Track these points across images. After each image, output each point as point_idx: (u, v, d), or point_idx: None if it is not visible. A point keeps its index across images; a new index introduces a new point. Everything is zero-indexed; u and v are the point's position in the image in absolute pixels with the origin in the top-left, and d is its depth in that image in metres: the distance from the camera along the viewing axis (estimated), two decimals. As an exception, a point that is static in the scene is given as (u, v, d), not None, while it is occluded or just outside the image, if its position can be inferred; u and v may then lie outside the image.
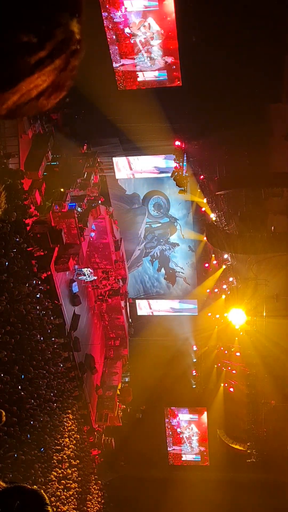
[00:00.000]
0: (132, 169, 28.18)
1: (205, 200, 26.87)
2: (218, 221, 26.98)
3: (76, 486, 23.09)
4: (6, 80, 1.06)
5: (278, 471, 29.64)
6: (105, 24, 22.31)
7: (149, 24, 22.29)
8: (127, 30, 22.59)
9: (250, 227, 25.52)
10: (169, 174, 26.66)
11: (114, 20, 22.32)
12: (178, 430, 34.35)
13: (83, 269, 23.70)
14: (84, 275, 23.93)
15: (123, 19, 22.27)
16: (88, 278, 24.26)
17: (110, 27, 22.51)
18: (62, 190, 22.37)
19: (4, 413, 2.67)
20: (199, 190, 26.80)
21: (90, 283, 26.63)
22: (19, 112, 1.16)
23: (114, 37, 22.82)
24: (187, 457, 34.61)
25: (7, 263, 17.02)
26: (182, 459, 34.69)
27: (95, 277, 25.61)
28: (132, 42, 22.91)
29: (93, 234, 25.07)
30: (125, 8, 21.90)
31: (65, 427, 21.91)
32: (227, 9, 20.17)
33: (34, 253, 19.47)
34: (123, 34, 22.72)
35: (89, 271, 24.30)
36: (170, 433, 34.46)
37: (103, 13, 21.96)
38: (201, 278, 30.59)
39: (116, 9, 21.94)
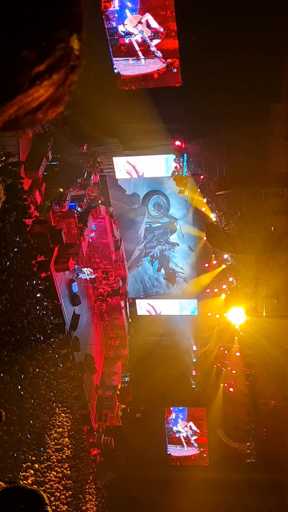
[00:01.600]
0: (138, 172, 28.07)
1: (205, 200, 26.88)
2: (218, 221, 26.99)
3: (76, 486, 23.09)
4: (2, 93, 1.07)
5: (278, 471, 29.62)
6: (105, 24, 22.32)
7: (146, 21, 22.27)
8: (121, 28, 22.55)
9: (250, 227, 25.53)
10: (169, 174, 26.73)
11: (110, 18, 22.32)
12: (178, 430, 34.33)
13: (83, 269, 23.72)
14: (85, 275, 23.97)
15: (117, 15, 22.25)
16: (87, 278, 24.32)
17: (108, 26, 22.52)
18: (62, 190, 22.38)
19: (3, 413, 2.67)
20: (199, 190, 26.82)
21: (91, 284, 26.70)
22: (16, 125, 1.18)
23: (113, 36, 22.82)
24: (186, 457, 34.59)
25: (8, 263, 17.02)
26: (182, 459, 34.67)
27: (95, 275, 25.65)
28: (127, 42, 22.89)
29: (93, 234, 25.09)
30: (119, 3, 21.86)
31: (65, 427, 21.90)
32: (227, 9, 20.16)
33: (35, 256, 19.50)
34: (117, 33, 22.73)
35: (89, 271, 24.32)
36: (170, 433, 34.44)
37: (102, 11, 21.97)
38: (201, 278, 30.59)
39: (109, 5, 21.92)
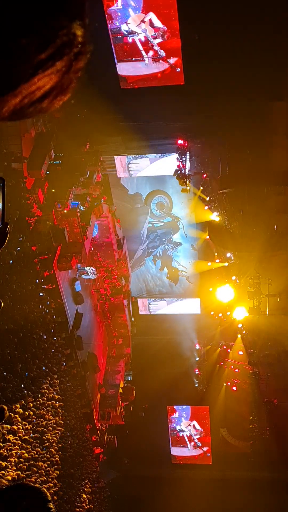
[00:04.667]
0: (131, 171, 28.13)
1: (207, 199, 26.86)
2: (220, 219, 26.97)
3: (79, 484, 23.14)
4: (5, 82, 1.06)
5: (282, 470, 29.62)
6: (108, 23, 22.30)
7: (150, 20, 22.25)
8: (124, 27, 22.54)
9: (252, 226, 25.51)
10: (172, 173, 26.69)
11: (113, 17, 22.31)
12: (181, 428, 34.33)
13: (85, 268, 23.73)
14: (87, 274, 23.96)
15: (120, 14, 22.24)
16: (91, 277, 24.32)
17: (111, 25, 22.50)
18: (64, 189, 22.40)
19: (6, 409, 2.68)
20: (201, 189, 26.80)
21: (93, 285, 26.75)
22: (22, 114, 1.17)
23: (116, 35, 22.81)
24: (189, 455, 34.59)
25: (11, 261, 17.07)
26: (185, 458, 34.67)
27: (98, 274, 25.69)
28: (130, 41, 22.88)
29: (95, 232, 25.10)
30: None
31: (68, 425, 21.94)
32: (230, 7, 20.12)
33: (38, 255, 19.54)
34: (120, 32, 22.72)
35: (92, 269, 24.34)
36: (173, 431, 34.45)
37: (106, 10, 21.95)
38: (204, 277, 30.56)
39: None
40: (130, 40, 22.95)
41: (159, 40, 22.72)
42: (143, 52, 23.19)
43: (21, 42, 1.02)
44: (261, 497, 28.70)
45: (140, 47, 23.08)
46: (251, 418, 31.09)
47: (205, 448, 34.09)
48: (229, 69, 21.15)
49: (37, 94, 1.13)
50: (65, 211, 21.66)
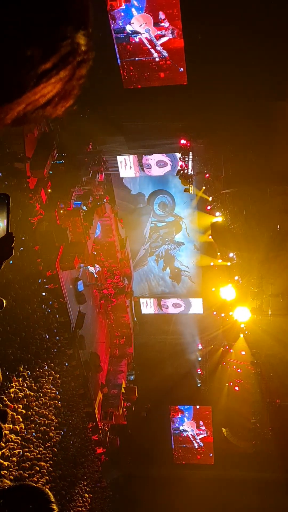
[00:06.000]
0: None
1: (210, 199, 26.84)
2: (223, 219, 26.94)
3: (82, 484, 23.15)
4: (10, 91, 1.07)
5: (284, 470, 29.61)
6: (111, 23, 22.30)
7: (153, 20, 22.23)
8: (130, 28, 22.56)
9: (255, 226, 25.47)
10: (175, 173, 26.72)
11: (116, 17, 22.30)
12: (184, 429, 34.35)
13: (88, 267, 23.75)
14: (89, 271, 24.10)
15: (123, 14, 22.23)
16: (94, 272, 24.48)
17: (114, 25, 22.49)
18: (67, 188, 22.42)
19: (9, 411, 2.69)
20: (204, 188, 26.79)
21: (96, 285, 26.78)
22: (26, 120, 1.18)
23: (119, 35, 22.80)
24: (192, 455, 34.61)
25: (11, 262, 17.06)
26: (187, 458, 34.69)
27: (100, 268, 25.76)
28: (133, 41, 22.88)
29: (98, 232, 25.10)
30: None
31: (70, 425, 21.96)
32: (233, 7, 20.10)
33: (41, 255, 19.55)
34: (124, 32, 22.72)
35: (94, 269, 24.38)
36: (176, 431, 34.47)
37: (108, 10, 21.95)
38: (207, 277, 30.54)
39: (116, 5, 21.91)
40: (133, 40, 22.94)
41: (162, 40, 22.70)
42: (146, 52, 23.17)
43: (26, 51, 1.03)
44: (264, 497, 28.71)
45: (143, 47, 23.07)
46: (254, 418, 31.07)
47: (207, 448, 34.10)
48: (231, 69, 21.14)
49: (40, 101, 1.14)
50: (68, 211, 21.68)
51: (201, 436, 34.15)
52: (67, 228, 21.04)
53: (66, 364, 21.86)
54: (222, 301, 28.99)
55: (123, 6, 22.03)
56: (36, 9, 1.02)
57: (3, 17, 0.98)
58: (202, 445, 34.27)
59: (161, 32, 22.50)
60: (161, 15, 22.06)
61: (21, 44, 1.02)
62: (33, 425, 17.86)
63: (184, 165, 25.59)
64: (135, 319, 32.09)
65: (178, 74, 23.48)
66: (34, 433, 17.84)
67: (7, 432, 15.83)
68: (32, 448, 17.47)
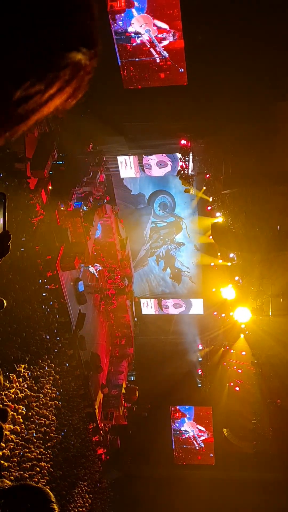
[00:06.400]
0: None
1: (211, 199, 26.85)
2: (224, 220, 26.94)
3: (82, 484, 23.15)
4: (17, 117, 1.13)
5: (284, 470, 29.58)
6: (111, 24, 22.31)
7: (153, 20, 22.24)
8: (130, 29, 22.57)
9: (255, 226, 25.46)
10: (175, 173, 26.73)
11: (116, 17, 22.32)
12: (184, 429, 34.34)
13: (89, 267, 23.75)
14: (91, 272, 24.10)
15: (123, 15, 22.25)
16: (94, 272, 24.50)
17: (114, 26, 22.50)
18: (68, 189, 22.41)
19: (9, 410, 2.69)
20: (204, 189, 26.78)
21: (96, 286, 26.79)
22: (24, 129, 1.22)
23: (120, 36, 22.82)
24: (192, 456, 34.60)
25: (9, 262, 17.06)
26: (188, 458, 34.67)
27: (101, 267, 25.77)
28: (133, 41, 22.90)
29: (98, 233, 25.10)
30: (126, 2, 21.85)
31: (71, 426, 21.96)
32: (233, 7, 20.11)
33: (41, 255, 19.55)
34: (124, 33, 22.73)
35: (94, 269, 24.38)
36: (177, 432, 34.46)
37: (109, 11, 21.97)
38: (207, 277, 30.53)
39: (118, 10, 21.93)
40: (134, 40, 22.96)
41: (162, 40, 22.71)
42: (147, 53, 23.19)
43: (31, 88, 1.06)
44: (264, 497, 28.70)
45: (143, 47, 23.08)
46: (254, 418, 31.06)
47: (207, 448, 34.09)
48: (232, 69, 21.15)
49: (44, 113, 1.18)
50: (68, 211, 21.68)
51: (202, 438, 34.15)
52: (68, 228, 21.04)
53: (67, 364, 21.85)
54: (222, 302, 28.99)
55: (123, 7, 22.04)
56: (44, 23, 1.03)
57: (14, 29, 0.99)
58: (203, 445, 34.27)
59: (162, 35, 22.53)
60: (162, 16, 22.10)
61: (35, 69, 1.05)
62: (34, 426, 17.85)
63: (184, 166, 25.61)
64: (136, 319, 32.08)
65: (178, 75, 23.50)
66: (34, 434, 17.83)
67: (7, 432, 15.83)
68: (33, 449, 17.47)
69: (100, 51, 1.15)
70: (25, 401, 17.37)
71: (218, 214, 26.86)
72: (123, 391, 29.36)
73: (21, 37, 1.00)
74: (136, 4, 21.95)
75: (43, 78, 1.07)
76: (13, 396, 16.45)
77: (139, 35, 22.74)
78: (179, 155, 26.04)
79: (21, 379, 17.31)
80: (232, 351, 30.43)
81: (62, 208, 21.40)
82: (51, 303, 20.54)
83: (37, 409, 18.26)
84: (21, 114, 1.10)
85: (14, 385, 16.78)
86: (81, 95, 1.21)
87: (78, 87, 1.17)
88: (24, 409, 17.20)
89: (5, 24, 0.97)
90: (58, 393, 20.48)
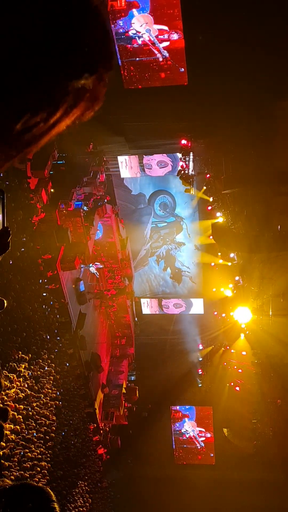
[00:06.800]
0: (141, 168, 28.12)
1: (211, 199, 26.85)
2: (224, 220, 26.94)
3: (83, 484, 23.16)
4: (23, 145, 1.16)
5: (285, 470, 29.59)
6: (112, 24, 22.31)
7: (153, 20, 22.24)
8: (131, 29, 22.57)
9: (256, 226, 25.45)
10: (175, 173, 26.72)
11: (117, 17, 22.32)
12: (184, 429, 34.34)
13: (90, 266, 23.75)
14: (91, 272, 24.10)
15: (123, 15, 22.24)
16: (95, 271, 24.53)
17: (115, 25, 22.51)
18: (68, 189, 22.41)
19: (10, 410, 2.69)
20: (205, 189, 26.78)
21: (97, 287, 26.77)
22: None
23: (120, 35, 22.82)
24: (193, 456, 34.60)
25: (10, 262, 17.08)
26: (188, 458, 34.68)
27: (101, 266, 25.77)
28: (134, 41, 22.90)
29: (100, 233, 25.09)
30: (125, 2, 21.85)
31: (71, 426, 21.96)
32: (233, 6, 20.10)
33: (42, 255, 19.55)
34: (124, 32, 22.73)
35: (95, 268, 24.39)
36: (177, 432, 34.46)
37: (109, 11, 21.96)
38: (207, 277, 30.53)
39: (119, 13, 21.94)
40: (134, 40, 22.96)
41: (162, 40, 22.71)
42: (147, 52, 23.19)
43: (37, 109, 1.07)
44: (264, 497, 28.69)
45: (144, 47, 23.09)
46: (254, 418, 31.06)
47: (208, 448, 34.09)
48: (232, 69, 21.13)
49: (53, 135, 1.22)
50: (69, 211, 21.68)
51: (202, 438, 34.15)
52: (68, 228, 21.03)
53: (67, 364, 21.86)
54: (223, 301, 28.99)
55: (124, 6, 22.05)
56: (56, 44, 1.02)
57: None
58: (203, 445, 34.27)
59: (163, 36, 22.55)
60: (162, 16, 22.10)
61: (50, 100, 1.08)
62: (34, 425, 17.86)
63: (184, 166, 25.60)
64: (136, 319, 32.09)
65: (178, 74, 23.49)
66: (35, 434, 17.84)
67: (8, 432, 15.84)
68: (33, 448, 17.48)
69: (111, 67, 1.15)
70: (26, 401, 17.38)
71: (218, 214, 26.86)
72: (124, 391, 29.37)
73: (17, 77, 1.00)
74: (136, 3, 21.94)
75: (42, 110, 1.06)
76: (13, 396, 16.46)
77: (140, 34, 22.73)
78: (179, 155, 26.03)
79: (21, 379, 17.32)
80: (232, 351, 30.41)
81: (62, 208, 21.40)
82: (51, 303, 20.54)
83: (38, 409, 18.27)
84: (27, 140, 1.11)
85: (15, 385, 16.78)
86: (98, 107, 1.22)
87: (89, 106, 1.17)
88: (25, 408, 17.21)
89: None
90: (58, 393, 20.49)
